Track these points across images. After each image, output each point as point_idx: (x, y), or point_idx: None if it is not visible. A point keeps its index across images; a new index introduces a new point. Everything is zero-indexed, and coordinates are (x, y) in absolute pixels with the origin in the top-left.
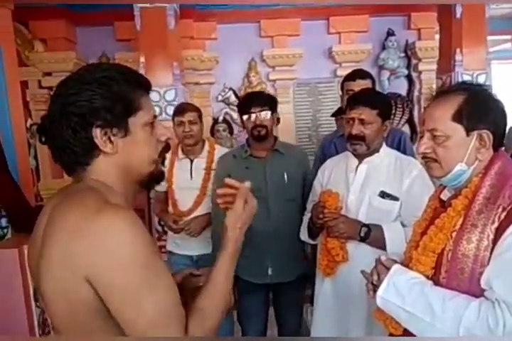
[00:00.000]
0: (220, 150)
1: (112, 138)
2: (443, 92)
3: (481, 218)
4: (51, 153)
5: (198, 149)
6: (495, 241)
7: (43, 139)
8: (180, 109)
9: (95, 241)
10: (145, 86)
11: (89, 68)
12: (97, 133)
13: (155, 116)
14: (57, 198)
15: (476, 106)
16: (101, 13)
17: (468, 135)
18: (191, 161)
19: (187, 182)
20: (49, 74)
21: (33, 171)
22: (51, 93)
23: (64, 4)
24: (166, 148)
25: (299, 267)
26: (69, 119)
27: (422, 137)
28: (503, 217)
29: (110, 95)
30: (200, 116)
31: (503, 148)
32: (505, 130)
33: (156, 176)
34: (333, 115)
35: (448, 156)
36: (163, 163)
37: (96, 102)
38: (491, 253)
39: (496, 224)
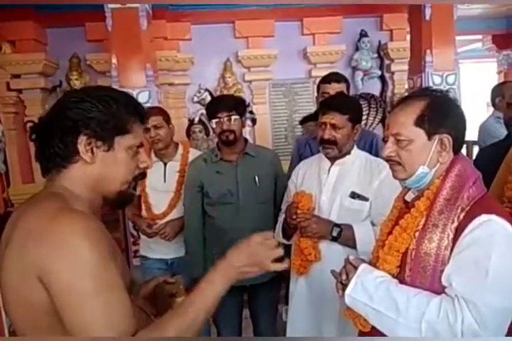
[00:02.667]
0: (194, 154)
1: (94, 150)
2: (406, 98)
3: (442, 218)
4: (36, 151)
5: (170, 152)
6: (454, 241)
7: (34, 137)
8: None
9: (48, 241)
10: (141, 115)
11: (97, 87)
12: (82, 140)
13: (142, 144)
14: (25, 206)
15: (437, 112)
16: (71, 14)
17: (429, 139)
18: (165, 164)
19: (161, 186)
20: (18, 76)
21: (3, 176)
22: (20, 95)
23: (32, 5)
24: (142, 175)
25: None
26: (62, 122)
27: (386, 141)
28: (462, 217)
29: (106, 111)
30: (166, 119)
31: (464, 151)
32: (464, 134)
33: (125, 196)
34: (301, 123)
35: (411, 159)
36: (134, 188)
37: (91, 113)
38: (451, 252)
39: (456, 224)
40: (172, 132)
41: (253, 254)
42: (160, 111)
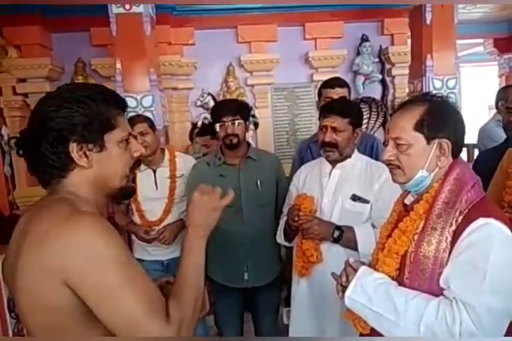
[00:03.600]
0: (181, 157)
1: (88, 153)
2: (406, 103)
3: (440, 221)
4: (27, 166)
5: (158, 159)
6: (453, 244)
7: (21, 152)
8: (129, 123)
9: (66, 243)
10: (122, 105)
11: (69, 87)
12: (73, 147)
13: (130, 133)
14: (33, 210)
15: (437, 117)
16: (76, 19)
17: (428, 143)
18: (154, 172)
19: (153, 193)
20: (24, 80)
21: (9, 179)
22: (26, 99)
23: (38, 10)
24: (137, 163)
25: (275, 271)
26: (47, 134)
27: (386, 145)
28: (460, 220)
29: (88, 113)
30: (151, 126)
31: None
32: (463, 139)
33: (126, 191)
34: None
35: (410, 163)
36: (133, 180)
37: (74, 119)
38: (449, 255)
39: (454, 227)
40: (158, 138)
41: (202, 208)
42: (144, 119)
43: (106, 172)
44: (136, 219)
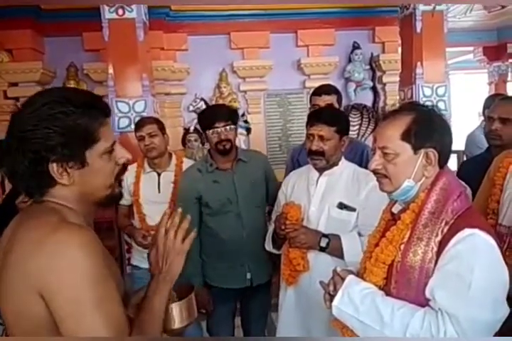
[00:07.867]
0: (188, 164)
1: (69, 170)
2: (393, 112)
3: (426, 231)
4: (9, 180)
5: (164, 162)
6: (438, 254)
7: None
8: (139, 124)
9: (48, 256)
10: (104, 113)
11: (45, 102)
12: (53, 167)
13: (114, 142)
14: (21, 218)
15: (424, 127)
16: (69, 24)
17: (415, 153)
18: (159, 175)
19: (155, 196)
20: (15, 84)
21: None
22: (17, 103)
23: (31, 14)
24: (123, 170)
25: (272, 267)
26: (25, 155)
27: (374, 154)
28: (446, 230)
29: (66, 131)
30: (161, 128)
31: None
32: (450, 148)
33: (113, 197)
34: None
35: (397, 173)
36: (120, 185)
37: (52, 139)
38: (435, 265)
39: (440, 238)
40: (166, 141)
41: (164, 254)
42: (155, 121)
43: (90, 185)
44: (137, 222)
